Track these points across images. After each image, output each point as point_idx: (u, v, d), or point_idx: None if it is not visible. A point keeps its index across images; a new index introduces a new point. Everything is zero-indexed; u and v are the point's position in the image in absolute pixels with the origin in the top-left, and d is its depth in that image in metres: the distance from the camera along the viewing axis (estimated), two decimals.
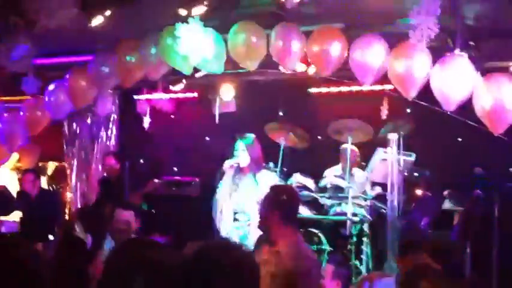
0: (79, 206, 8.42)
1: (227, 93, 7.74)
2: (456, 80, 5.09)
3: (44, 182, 8.64)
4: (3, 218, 7.66)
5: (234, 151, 5.67)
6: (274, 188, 4.10)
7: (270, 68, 5.92)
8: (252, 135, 5.74)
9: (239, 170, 5.66)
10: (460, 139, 6.06)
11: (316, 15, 5.65)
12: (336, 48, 5.44)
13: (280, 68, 5.83)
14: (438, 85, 5.18)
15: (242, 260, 1.92)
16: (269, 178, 5.66)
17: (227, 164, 5.65)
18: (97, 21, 5.53)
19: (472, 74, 5.12)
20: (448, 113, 5.21)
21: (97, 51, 6.35)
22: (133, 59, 6.10)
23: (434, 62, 5.21)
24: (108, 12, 5.43)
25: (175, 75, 6.83)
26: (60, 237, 5.96)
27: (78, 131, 8.57)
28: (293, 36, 5.51)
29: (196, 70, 6.10)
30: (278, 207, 3.74)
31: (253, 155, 5.62)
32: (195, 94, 8.18)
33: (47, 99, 6.66)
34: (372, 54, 5.34)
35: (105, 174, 7.94)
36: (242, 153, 5.62)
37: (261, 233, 4.17)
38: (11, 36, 5.82)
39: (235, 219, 5.59)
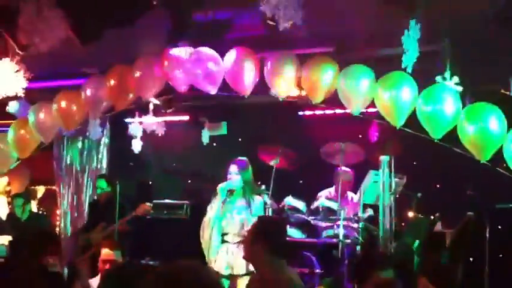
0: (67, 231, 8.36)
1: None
2: (440, 110, 5.11)
3: (34, 206, 8.57)
4: None
5: (227, 174, 5.68)
6: (263, 219, 4.15)
7: (262, 92, 5.94)
8: (245, 159, 5.76)
9: (231, 193, 5.66)
10: (451, 162, 6.07)
11: (307, 38, 5.69)
12: (328, 77, 5.49)
13: (272, 92, 5.84)
14: (424, 114, 5.21)
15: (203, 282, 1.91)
16: (260, 203, 5.69)
17: (220, 186, 5.64)
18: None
19: (458, 103, 5.14)
20: (435, 140, 5.23)
21: (89, 75, 6.36)
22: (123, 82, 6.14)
23: (420, 87, 5.24)
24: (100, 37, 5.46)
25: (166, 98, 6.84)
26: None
27: (68, 155, 8.52)
28: (286, 62, 5.56)
29: (191, 90, 6.13)
30: (266, 238, 3.65)
31: (246, 178, 5.64)
32: (187, 117, 8.19)
33: (33, 120, 6.65)
34: (359, 85, 5.39)
35: (95, 198, 7.89)
36: (235, 176, 5.63)
37: None
38: None
39: (224, 241, 5.58)
